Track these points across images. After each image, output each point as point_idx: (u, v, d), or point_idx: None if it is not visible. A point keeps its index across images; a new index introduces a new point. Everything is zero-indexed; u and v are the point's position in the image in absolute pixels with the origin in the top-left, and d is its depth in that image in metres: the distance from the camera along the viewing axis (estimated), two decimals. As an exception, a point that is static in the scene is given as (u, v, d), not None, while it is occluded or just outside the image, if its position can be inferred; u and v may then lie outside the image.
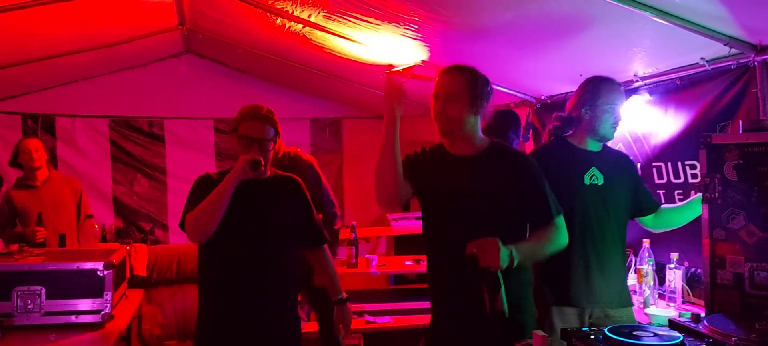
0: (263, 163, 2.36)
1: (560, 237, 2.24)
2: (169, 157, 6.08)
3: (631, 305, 2.67)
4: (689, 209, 2.68)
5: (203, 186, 2.40)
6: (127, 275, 3.28)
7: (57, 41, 4.28)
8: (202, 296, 2.49)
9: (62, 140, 5.80)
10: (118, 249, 2.93)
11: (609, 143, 2.72)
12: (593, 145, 2.66)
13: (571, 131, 2.70)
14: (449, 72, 2.25)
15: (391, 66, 4.42)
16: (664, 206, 2.82)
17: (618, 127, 2.65)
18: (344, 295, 2.72)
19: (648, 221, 2.78)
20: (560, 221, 2.24)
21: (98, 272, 2.56)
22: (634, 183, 2.72)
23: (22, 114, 5.75)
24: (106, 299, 2.56)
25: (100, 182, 5.86)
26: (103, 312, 2.56)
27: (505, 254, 1.98)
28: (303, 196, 2.60)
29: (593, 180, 2.60)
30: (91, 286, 2.55)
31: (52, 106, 5.81)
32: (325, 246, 2.72)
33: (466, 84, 2.21)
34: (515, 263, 2.02)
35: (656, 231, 2.83)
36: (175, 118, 6.11)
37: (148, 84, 5.97)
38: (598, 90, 2.61)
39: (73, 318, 2.53)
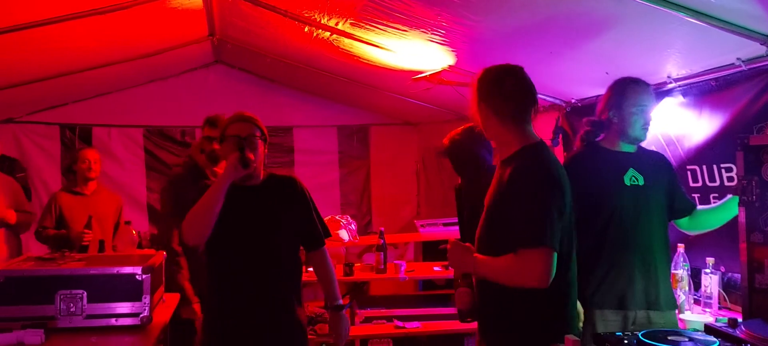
0: (253, 158, 2.39)
1: (530, 272, 1.85)
2: (200, 166, 6.20)
3: (676, 308, 2.63)
4: (725, 210, 2.63)
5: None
6: (164, 279, 3.35)
7: (93, 53, 4.41)
8: (207, 300, 2.55)
9: (99, 150, 5.95)
10: (155, 254, 2.99)
11: (643, 145, 2.69)
12: (627, 147, 2.63)
13: (602, 136, 2.68)
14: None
15: (418, 73, 4.45)
16: (699, 207, 2.78)
17: (649, 128, 2.62)
18: (341, 301, 2.66)
19: (683, 223, 2.74)
20: (542, 253, 1.84)
21: (137, 276, 2.63)
22: (671, 183, 2.68)
23: (60, 125, 5.92)
24: (145, 303, 2.62)
25: (135, 190, 6.00)
26: (142, 315, 2.62)
27: (461, 261, 2.07)
28: (300, 195, 2.59)
29: (633, 181, 2.57)
30: (130, 289, 2.61)
31: (89, 116, 5.98)
32: (325, 248, 2.68)
33: (475, 91, 2.12)
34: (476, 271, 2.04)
35: (692, 233, 2.78)
36: (206, 127, 6.22)
37: (180, 94, 6.09)
38: (625, 92, 2.59)
39: (113, 321, 2.59)
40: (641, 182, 2.57)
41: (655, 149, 3.12)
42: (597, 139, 2.69)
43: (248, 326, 2.42)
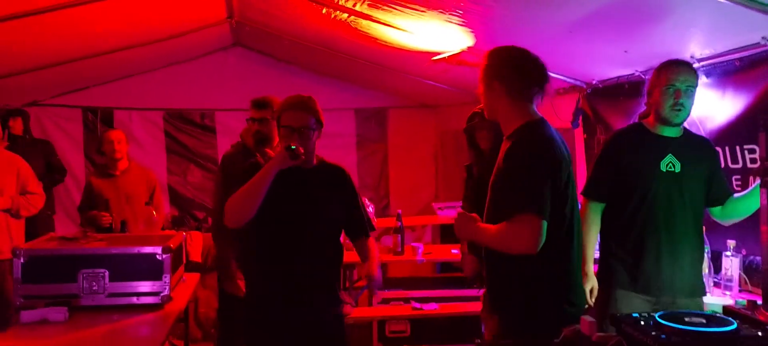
0: (303, 151, 2.36)
1: (520, 237, 1.95)
2: (220, 148, 6.25)
3: (704, 295, 2.63)
4: (754, 197, 2.56)
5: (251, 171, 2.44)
6: (184, 260, 3.40)
7: (113, 37, 4.46)
8: (250, 278, 2.56)
9: (120, 132, 6.05)
10: (175, 235, 3.04)
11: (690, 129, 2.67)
12: (669, 131, 2.59)
13: (649, 118, 2.67)
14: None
15: (436, 54, 4.43)
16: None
17: (685, 111, 2.53)
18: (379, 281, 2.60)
19: (716, 212, 2.71)
20: (531, 220, 1.93)
21: (157, 256, 2.67)
22: (710, 171, 2.63)
23: (82, 108, 6.01)
24: (165, 282, 2.67)
25: (156, 172, 6.05)
26: (162, 294, 2.67)
27: (463, 227, 2.14)
28: (349, 185, 2.60)
29: (670, 167, 2.55)
30: (150, 269, 2.66)
31: (110, 99, 6.06)
32: (371, 238, 2.67)
33: (481, 66, 2.18)
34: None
35: (725, 223, 2.73)
36: (225, 110, 6.27)
37: (200, 77, 6.14)
38: (658, 72, 2.57)
39: (134, 299, 2.65)
40: (678, 169, 2.55)
41: (701, 135, 3.04)
42: (643, 119, 2.68)
43: (288, 308, 2.44)
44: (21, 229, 3.98)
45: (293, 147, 2.33)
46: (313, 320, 2.47)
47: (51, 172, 5.08)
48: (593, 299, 2.63)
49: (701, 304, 2.60)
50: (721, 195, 2.66)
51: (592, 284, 2.60)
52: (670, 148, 2.57)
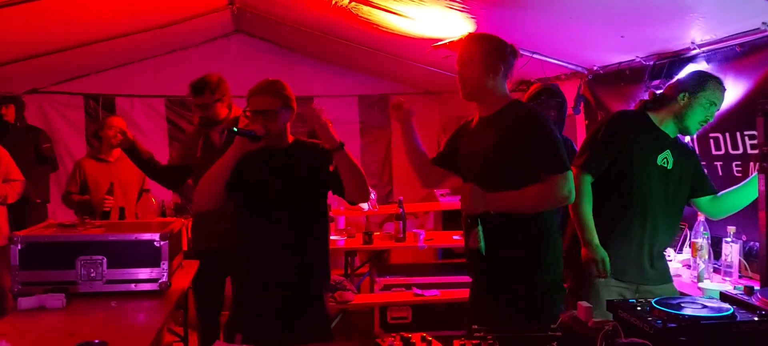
0: (264, 133, 2.40)
1: (561, 192, 2.23)
2: (222, 135, 6.25)
3: (671, 280, 2.71)
4: (750, 188, 2.58)
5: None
6: (185, 247, 3.40)
7: (113, 23, 4.45)
8: (236, 258, 2.61)
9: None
10: (174, 221, 3.04)
11: None
12: (671, 130, 2.63)
13: (657, 110, 2.66)
14: (465, 40, 2.43)
15: (438, 40, 4.40)
16: (721, 193, 2.73)
17: (700, 129, 2.64)
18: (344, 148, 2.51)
19: (705, 206, 2.73)
20: (566, 176, 2.23)
21: (155, 243, 2.67)
22: (693, 168, 2.70)
23: (84, 95, 6.02)
24: (163, 269, 2.67)
25: (158, 159, 6.08)
26: (160, 281, 2.67)
27: (477, 200, 2.24)
28: (326, 156, 2.54)
29: (664, 163, 2.59)
30: (149, 256, 2.66)
31: (112, 86, 6.06)
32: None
33: (479, 49, 2.34)
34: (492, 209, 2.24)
35: (715, 217, 2.77)
36: (227, 96, 6.25)
37: (201, 64, 6.09)
38: (706, 83, 2.57)
39: (132, 286, 2.65)
40: (670, 166, 2.59)
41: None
42: (649, 110, 2.67)
43: (272, 285, 2.50)
44: (5, 216, 4.10)
45: (235, 129, 2.40)
46: (293, 296, 2.50)
47: (40, 161, 5.09)
48: (607, 269, 2.57)
49: (674, 288, 2.70)
50: (705, 187, 2.71)
51: (602, 253, 2.54)
52: (668, 145, 2.61)
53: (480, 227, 2.24)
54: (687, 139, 3.01)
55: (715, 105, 2.57)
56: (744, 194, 2.63)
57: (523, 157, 2.25)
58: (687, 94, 2.56)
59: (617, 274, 2.56)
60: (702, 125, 2.61)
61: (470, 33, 2.46)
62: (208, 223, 3.28)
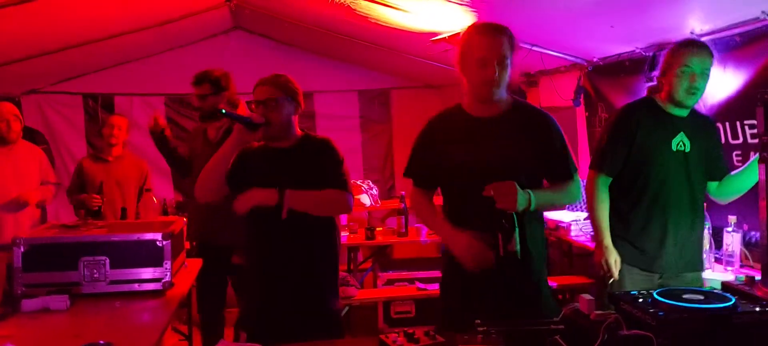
0: (263, 122, 2.37)
1: (576, 193, 2.25)
2: (222, 132, 6.25)
3: (703, 269, 2.66)
4: (751, 172, 2.57)
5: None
6: (186, 245, 3.41)
7: (111, 22, 4.44)
8: (246, 253, 2.60)
9: (122, 118, 6.04)
10: (176, 220, 3.05)
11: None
12: (678, 112, 2.57)
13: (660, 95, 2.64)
14: (490, 33, 2.09)
15: (436, 34, 4.38)
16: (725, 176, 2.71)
17: (699, 93, 2.51)
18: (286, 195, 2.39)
19: (711, 189, 2.70)
20: (577, 178, 2.24)
21: (157, 243, 2.68)
22: (710, 146, 2.63)
23: (83, 94, 6.01)
24: (166, 268, 2.68)
25: (159, 158, 6.00)
26: (164, 280, 2.67)
27: (523, 198, 2.00)
28: (329, 155, 2.51)
29: (680, 147, 2.55)
30: (151, 255, 2.67)
31: (110, 86, 6.05)
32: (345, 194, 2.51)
33: (509, 45, 2.09)
34: (532, 206, 2.04)
35: (722, 201, 2.74)
36: (226, 93, 6.25)
37: (200, 61, 6.03)
38: (673, 52, 2.53)
39: (136, 286, 2.66)
40: (687, 149, 2.55)
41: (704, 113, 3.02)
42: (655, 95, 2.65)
43: (281, 282, 2.46)
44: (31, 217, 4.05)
45: (223, 111, 2.35)
46: (303, 294, 2.45)
47: None
48: (617, 271, 2.59)
49: (701, 278, 2.64)
50: (717, 171, 2.66)
51: (614, 256, 2.58)
52: (681, 127, 2.55)
53: (517, 229, 2.04)
54: (704, 109, 2.99)
55: (689, 67, 2.46)
56: (746, 177, 2.60)
57: (536, 163, 2.16)
58: (663, 71, 2.56)
59: (643, 264, 2.56)
60: (692, 93, 2.49)
61: (489, 23, 2.13)
62: (203, 217, 3.29)
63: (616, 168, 2.60)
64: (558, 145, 2.18)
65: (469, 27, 2.20)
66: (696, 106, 2.70)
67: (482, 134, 2.17)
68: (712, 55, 2.52)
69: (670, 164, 2.53)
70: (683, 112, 2.58)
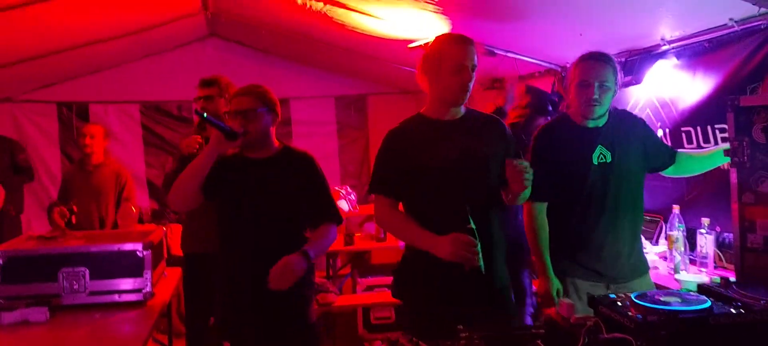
0: (241, 132, 2.38)
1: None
2: (198, 140, 6.19)
3: (647, 271, 2.61)
4: (710, 159, 2.58)
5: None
6: (165, 254, 3.38)
7: (85, 30, 4.38)
8: (219, 261, 2.55)
9: (96, 127, 5.95)
10: (155, 230, 3.02)
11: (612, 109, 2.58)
12: (593, 123, 2.52)
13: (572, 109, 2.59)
14: (464, 42, 2.21)
15: (412, 41, 4.42)
16: (682, 151, 2.70)
17: (599, 104, 2.44)
18: (310, 252, 2.41)
19: (669, 172, 2.67)
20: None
21: (138, 253, 2.66)
22: (643, 141, 2.57)
23: (57, 103, 5.91)
24: (147, 278, 2.66)
25: (134, 166, 6.01)
26: (144, 291, 2.65)
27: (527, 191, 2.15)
28: (310, 171, 2.54)
29: (602, 159, 2.48)
30: (131, 266, 2.65)
31: (85, 93, 5.96)
32: (333, 225, 2.57)
33: (476, 55, 2.21)
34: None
35: (675, 177, 2.72)
36: (202, 101, 6.21)
37: (176, 68, 6.06)
38: (573, 66, 2.50)
39: (116, 297, 2.63)
40: (609, 159, 2.49)
41: (649, 113, 3.10)
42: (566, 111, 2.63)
43: (253, 293, 2.43)
44: None
45: (205, 116, 2.38)
46: (276, 306, 2.43)
47: (17, 172, 5.00)
48: (559, 299, 2.54)
49: (650, 281, 2.60)
50: (663, 159, 2.62)
51: (557, 285, 2.52)
52: (599, 139, 2.49)
53: (479, 243, 2.06)
54: (636, 109, 2.99)
55: (586, 80, 2.42)
56: (705, 162, 2.60)
57: (498, 159, 2.22)
58: (566, 87, 2.57)
59: (588, 276, 2.51)
60: (592, 106, 2.43)
61: (460, 34, 2.23)
62: (195, 226, 3.27)
63: (547, 192, 2.52)
64: (511, 152, 2.26)
65: (441, 37, 2.27)
66: (665, 111, 2.74)
67: (450, 134, 2.24)
68: (611, 66, 2.46)
69: (595, 178, 2.48)
70: (599, 123, 2.52)
